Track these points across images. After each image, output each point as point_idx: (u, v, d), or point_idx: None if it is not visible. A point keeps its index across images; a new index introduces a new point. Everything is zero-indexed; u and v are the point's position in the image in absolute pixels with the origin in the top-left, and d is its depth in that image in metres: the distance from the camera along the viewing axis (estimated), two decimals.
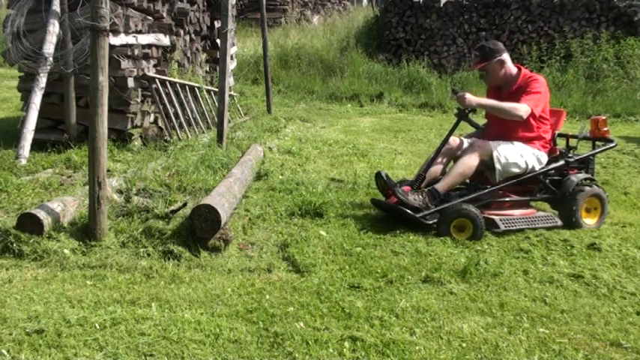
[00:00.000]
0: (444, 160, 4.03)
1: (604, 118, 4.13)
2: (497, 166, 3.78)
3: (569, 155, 4.04)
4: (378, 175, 3.91)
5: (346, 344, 2.29)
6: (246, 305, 2.60)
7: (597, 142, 4.16)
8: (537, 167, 3.89)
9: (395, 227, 3.73)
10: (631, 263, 3.29)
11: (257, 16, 13.94)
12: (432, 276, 2.97)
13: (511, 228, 3.71)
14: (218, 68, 6.49)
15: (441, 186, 3.80)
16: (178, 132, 5.98)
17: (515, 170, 3.83)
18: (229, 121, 6.96)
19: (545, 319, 2.59)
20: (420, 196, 3.76)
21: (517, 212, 3.86)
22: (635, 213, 4.38)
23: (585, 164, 4.09)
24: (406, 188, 3.81)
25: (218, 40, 7.16)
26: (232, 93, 8.51)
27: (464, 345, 2.35)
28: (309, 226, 3.71)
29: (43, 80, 5.14)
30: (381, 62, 11.80)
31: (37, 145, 5.15)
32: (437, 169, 3.98)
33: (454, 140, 4.07)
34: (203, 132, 6.55)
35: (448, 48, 12.01)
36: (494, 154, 3.78)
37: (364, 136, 7.31)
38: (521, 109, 3.77)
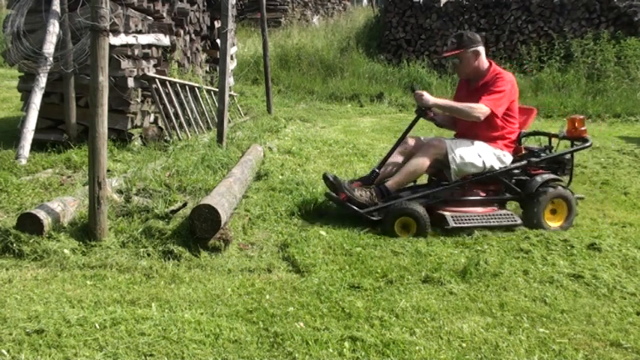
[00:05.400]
0: (401, 158, 3.99)
1: (581, 117, 4.02)
2: (453, 165, 3.78)
3: (540, 154, 3.98)
4: (325, 178, 3.90)
5: (346, 344, 2.29)
6: (246, 305, 2.60)
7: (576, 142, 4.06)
8: (497, 167, 3.85)
9: None
10: (631, 263, 3.29)
11: (257, 16, 13.94)
12: (432, 276, 2.97)
13: (461, 225, 3.69)
14: (218, 68, 6.49)
15: (390, 184, 3.82)
16: (178, 132, 5.98)
17: (472, 170, 3.81)
18: (229, 121, 6.96)
19: (545, 319, 2.59)
20: (367, 193, 3.77)
21: (474, 209, 3.83)
22: (635, 213, 4.38)
23: (561, 164, 4.01)
24: (357, 184, 3.83)
25: (218, 40, 7.16)
26: (232, 93, 8.52)
27: (464, 345, 2.35)
28: (309, 226, 3.71)
29: (43, 80, 5.14)
30: (381, 62, 11.81)
31: (37, 145, 5.15)
32: (392, 166, 3.97)
33: (412, 139, 4.07)
34: (203, 132, 6.56)
35: None
36: (450, 154, 3.77)
37: (364, 136, 7.31)
38: (478, 110, 3.72)
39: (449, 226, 3.67)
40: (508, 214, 3.84)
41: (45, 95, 5.22)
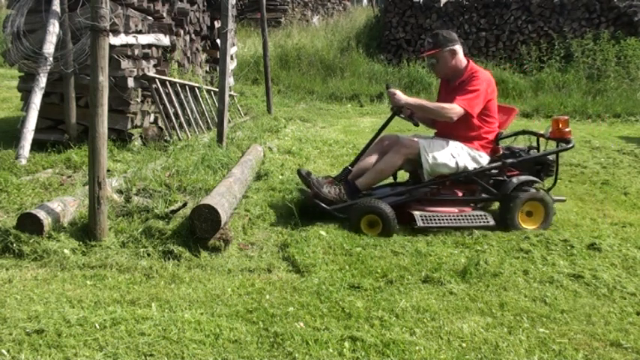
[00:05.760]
0: (376, 156, 3.97)
1: (566, 118, 3.94)
2: (425, 165, 3.77)
3: (521, 154, 3.95)
4: (299, 173, 3.93)
5: (346, 344, 2.29)
6: (246, 305, 2.60)
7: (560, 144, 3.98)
8: (471, 167, 3.83)
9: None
10: (631, 263, 3.29)
11: (257, 16, 13.94)
12: (432, 276, 2.97)
13: (430, 225, 3.68)
14: (218, 68, 6.49)
15: (360, 181, 3.84)
16: (178, 132, 5.98)
17: (445, 170, 3.80)
18: (229, 121, 6.96)
19: (545, 319, 2.59)
20: (336, 190, 3.79)
21: (446, 209, 3.80)
22: (635, 213, 4.38)
23: (544, 166, 3.96)
24: (329, 181, 3.85)
25: (218, 40, 7.16)
26: (232, 93, 8.52)
27: (464, 345, 2.35)
28: (309, 226, 3.71)
29: (43, 80, 5.14)
30: (381, 62, 11.81)
31: (37, 145, 5.15)
32: (367, 163, 3.95)
33: (389, 136, 4.07)
34: (203, 132, 6.56)
35: None
36: (422, 154, 3.76)
37: (364, 136, 7.30)
38: (451, 110, 3.70)
39: (417, 226, 3.67)
40: (481, 215, 3.79)
41: (45, 95, 5.23)
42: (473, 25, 11.89)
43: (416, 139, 3.85)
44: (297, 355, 2.20)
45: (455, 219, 3.74)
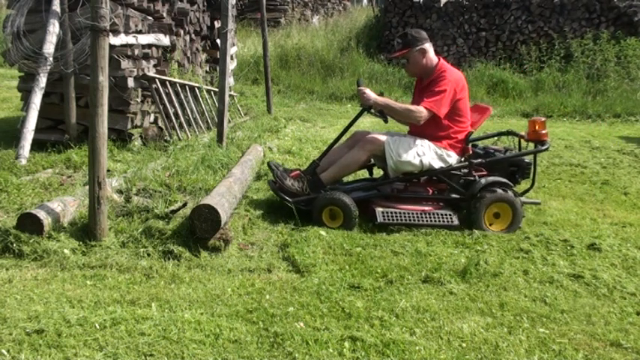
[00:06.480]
0: (347, 151, 3.98)
1: (542, 120, 3.88)
2: (389, 162, 3.78)
3: (495, 154, 3.93)
4: (269, 166, 3.97)
5: (346, 344, 2.29)
6: (246, 305, 2.60)
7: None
8: (437, 166, 3.82)
9: (395, 227, 3.74)
10: (631, 263, 3.29)
11: (257, 16, 13.94)
12: (432, 276, 2.97)
13: (390, 221, 3.69)
14: (218, 68, 6.49)
15: (324, 176, 3.88)
16: (178, 132, 5.98)
17: (409, 168, 3.80)
18: (229, 121, 6.96)
19: (545, 319, 2.59)
20: (299, 183, 3.83)
21: (410, 207, 3.79)
22: (635, 213, 4.38)
23: (520, 168, 3.91)
24: (296, 174, 3.89)
25: (218, 40, 7.16)
26: (232, 93, 8.52)
27: (464, 345, 2.35)
28: (309, 226, 3.71)
29: (43, 80, 5.14)
30: (381, 62, 11.81)
31: (37, 145, 5.15)
32: (336, 158, 3.97)
33: (361, 132, 4.08)
34: (203, 132, 6.56)
35: (448, 48, 12.01)
36: (387, 150, 3.76)
37: None
38: (417, 113, 3.71)
39: (377, 222, 3.68)
40: (445, 214, 3.75)
41: (45, 95, 5.23)
42: (473, 25, 11.89)
43: (382, 137, 3.85)
44: (297, 355, 2.20)
45: (417, 217, 3.73)
